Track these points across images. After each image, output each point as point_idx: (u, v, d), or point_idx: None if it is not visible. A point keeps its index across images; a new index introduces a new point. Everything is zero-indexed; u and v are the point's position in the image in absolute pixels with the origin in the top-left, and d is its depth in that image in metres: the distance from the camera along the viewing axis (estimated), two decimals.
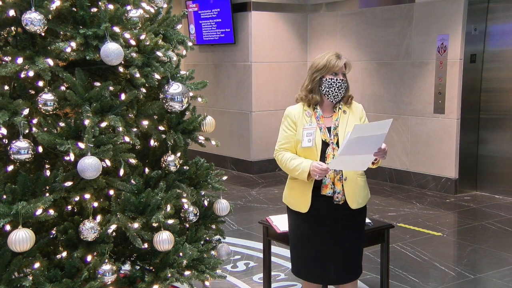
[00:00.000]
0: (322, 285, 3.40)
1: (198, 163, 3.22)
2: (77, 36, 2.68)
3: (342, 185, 3.02)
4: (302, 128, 3.05)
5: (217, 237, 3.39)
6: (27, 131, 2.66)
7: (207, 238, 3.29)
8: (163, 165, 3.03)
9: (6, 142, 2.76)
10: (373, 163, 3.03)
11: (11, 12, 2.68)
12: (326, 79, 3.04)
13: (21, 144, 2.63)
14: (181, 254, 2.95)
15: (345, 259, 3.13)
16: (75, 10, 2.75)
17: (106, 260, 2.76)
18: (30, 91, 2.77)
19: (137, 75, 2.80)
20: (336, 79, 3.03)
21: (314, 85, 3.07)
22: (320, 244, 3.11)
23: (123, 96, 2.83)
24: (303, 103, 3.13)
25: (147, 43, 2.84)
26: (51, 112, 2.73)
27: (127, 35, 2.79)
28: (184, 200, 3.04)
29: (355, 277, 3.21)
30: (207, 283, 3.15)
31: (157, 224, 2.84)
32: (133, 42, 2.81)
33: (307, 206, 3.06)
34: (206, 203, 3.31)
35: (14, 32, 2.84)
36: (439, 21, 6.93)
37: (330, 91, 3.05)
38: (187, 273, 2.99)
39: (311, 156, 3.01)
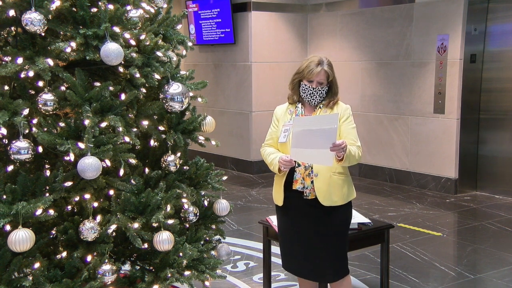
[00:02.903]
0: (318, 283, 3.41)
1: (198, 163, 3.23)
2: (77, 36, 2.68)
3: (312, 181, 3.10)
4: (282, 125, 3.20)
5: (217, 237, 3.39)
6: (27, 131, 2.66)
7: (207, 238, 3.29)
8: (163, 165, 3.03)
9: (6, 142, 2.76)
10: (338, 160, 3.02)
11: (11, 12, 2.68)
12: (302, 83, 3.16)
13: (21, 144, 2.63)
14: (181, 254, 2.95)
15: (322, 255, 3.16)
16: (75, 10, 2.75)
17: (106, 260, 2.76)
18: (30, 91, 2.76)
19: (137, 75, 2.80)
20: (309, 86, 3.13)
21: (294, 85, 3.22)
22: (296, 238, 3.20)
23: (123, 96, 2.83)
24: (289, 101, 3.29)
25: (147, 43, 2.84)
26: (51, 112, 2.73)
27: (127, 35, 2.79)
28: (184, 200, 3.04)
29: (337, 277, 3.21)
30: (207, 283, 3.15)
31: (157, 224, 2.84)
32: (133, 42, 2.81)
33: (282, 199, 3.19)
34: (206, 203, 3.32)
35: (14, 32, 2.83)
36: (439, 21, 6.93)
37: (304, 95, 3.18)
38: (187, 273, 2.99)
39: (287, 151, 3.13)
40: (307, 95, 3.15)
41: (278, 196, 3.23)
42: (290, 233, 3.24)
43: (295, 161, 3.08)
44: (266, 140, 3.32)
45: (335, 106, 3.18)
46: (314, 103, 3.17)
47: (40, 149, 2.75)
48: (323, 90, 3.14)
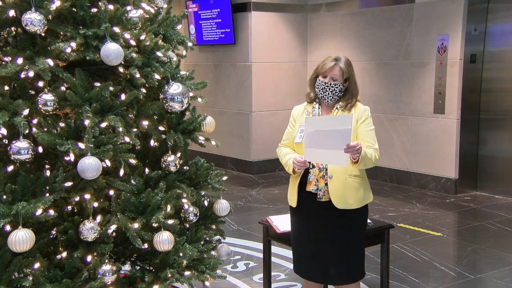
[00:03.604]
0: (323, 285, 3.39)
1: (198, 163, 3.22)
2: (77, 36, 2.68)
3: (326, 183, 3.05)
4: (299, 125, 3.16)
5: (217, 237, 3.39)
6: (27, 131, 2.66)
7: (207, 238, 3.28)
8: (163, 165, 3.03)
9: (6, 142, 2.76)
10: (354, 162, 2.97)
11: (11, 13, 2.68)
12: (317, 79, 3.12)
13: (21, 144, 2.63)
14: (181, 254, 2.95)
15: (334, 259, 3.11)
16: (75, 10, 2.75)
17: (106, 261, 2.76)
18: (30, 91, 2.76)
19: (137, 75, 2.80)
20: (322, 82, 3.09)
21: (311, 82, 3.18)
22: (307, 240, 3.16)
23: (123, 97, 2.82)
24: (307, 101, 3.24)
25: (147, 44, 2.84)
26: (51, 113, 2.72)
27: (127, 35, 2.79)
28: (184, 200, 3.04)
29: (349, 281, 3.15)
30: (207, 283, 3.15)
31: (157, 224, 2.84)
32: (133, 43, 2.81)
33: (295, 201, 3.16)
34: (206, 203, 3.31)
35: (14, 33, 2.83)
36: (439, 21, 6.93)
37: (318, 92, 3.13)
38: (187, 273, 2.98)
39: (302, 152, 3.07)
40: (320, 90, 3.10)
41: (292, 197, 3.19)
42: (303, 235, 3.19)
43: (309, 163, 3.04)
44: (282, 140, 3.28)
45: (353, 108, 3.12)
46: (328, 101, 3.11)
47: (40, 149, 2.75)
48: (336, 87, 3.07)
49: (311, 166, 3.08)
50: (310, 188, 3.09)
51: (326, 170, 3.05)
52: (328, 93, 3.09)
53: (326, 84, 3.08)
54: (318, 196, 3.07)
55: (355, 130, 3.07)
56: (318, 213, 3.10)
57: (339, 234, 3.10)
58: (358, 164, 2.98)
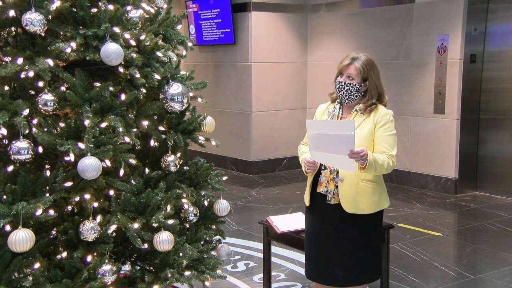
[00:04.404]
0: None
1: (198, 164, 3.22)
2: (77, 36, 2.68)
3: (337, 186, 3.01)
4: None
5: (217, 237, 3.39)
6: (27, 131, 2.66)
7: (207, 239, 3.29)
8: (163, 166, 3.03)
9: (6, 142, 2.76)
10: (361, 168, 2.89)
11: (11, 13, 2.68)
12: (337, 78, 3.07)
13: (21, 144, 2.63)
14: (181, 254, 2.95)
15: (340, 261, 3.07)
16: (75, 10, 2.75)
17: (106, 261, 2.76)
18: (30, 91, 2.76)
19: (137, 75, 2.80)
20: (338, 80, 3.04)
21: (334, 82, 3.09)
22: (316, 241, 3.14)
23: (123, 97, 2.83)
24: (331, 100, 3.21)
25: (147, 44, 2.84)
26: (51, 113, 2.73)
27: (127, 36, 2.79)
28: (184, 200, 3.04)
29: (354, 283, 3.11)
30: (207, 283, 3.15)
31: (157, 224, 2.84)
32: (133, 43, 2.81)
33: (308, 199, 3.15)
34: (206, 203, 3.31)
35: (14, 33, 2.84)
36: (439, 21, 6.93)
37: (336, 89, 3.07)
38: (187, 273, 2.99)
39: None
40: (336, 89, 3.04)
41: (306, 196, 3.17)
42: (313, 235, 3.17)
43: (321, 164, 3.01)
44: (304, 138, 3.23)
45: (372, 112, 3.02)
46: (345, 101, 3.03)
47: (40, 149, 2.75)
48: (352, 87, 2.98)
49: (323, 167, 3.05)
50: (321, 189, 3.06)
51: (337, 173, 3.01)
52: (344, 93, 3.01)
53: (341, 83, 3.01)
54: (328, 199, 3.04)
55: (372, 133, 3.00)
56: (328, 214, 3.07)
57: (347, 237, 3.06)
58: (366, 170, 2.88)
